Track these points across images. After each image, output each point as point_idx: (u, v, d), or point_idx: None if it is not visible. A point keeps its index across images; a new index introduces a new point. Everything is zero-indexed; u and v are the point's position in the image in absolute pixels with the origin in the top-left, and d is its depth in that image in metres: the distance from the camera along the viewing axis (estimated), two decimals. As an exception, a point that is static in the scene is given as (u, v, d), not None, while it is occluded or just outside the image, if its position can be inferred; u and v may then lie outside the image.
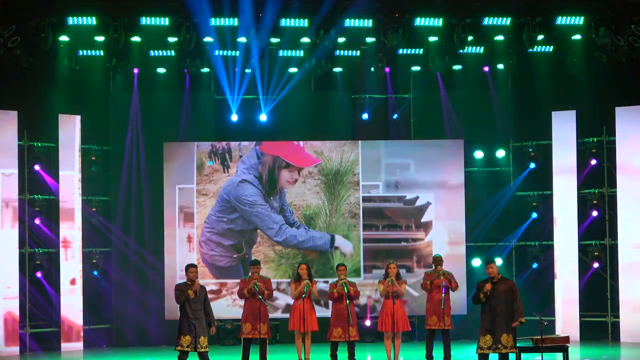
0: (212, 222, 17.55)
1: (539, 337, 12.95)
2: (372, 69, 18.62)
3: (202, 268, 17.40)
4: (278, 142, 18.14)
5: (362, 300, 17.59)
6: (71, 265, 18.00)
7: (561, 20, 17.11)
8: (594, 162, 18.53)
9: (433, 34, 17.46)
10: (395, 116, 19.28)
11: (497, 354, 12.62)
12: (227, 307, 18.10)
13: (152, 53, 17.99)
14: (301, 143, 17.80)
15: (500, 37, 17.60)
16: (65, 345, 17.90)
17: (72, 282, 17.80)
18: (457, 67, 18.61)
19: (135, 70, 18.53)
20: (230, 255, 17.57)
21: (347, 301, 14.41)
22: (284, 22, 17.02)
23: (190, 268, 13.11)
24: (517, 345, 13.20)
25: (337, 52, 18.18)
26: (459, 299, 17.92)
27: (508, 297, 12.56)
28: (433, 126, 19.22)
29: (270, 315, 15.93)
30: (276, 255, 17.55)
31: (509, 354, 12.62)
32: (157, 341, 18.40)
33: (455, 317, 16.27)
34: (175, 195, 18.25)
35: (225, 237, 17.54)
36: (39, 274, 17.87)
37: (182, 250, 18.28)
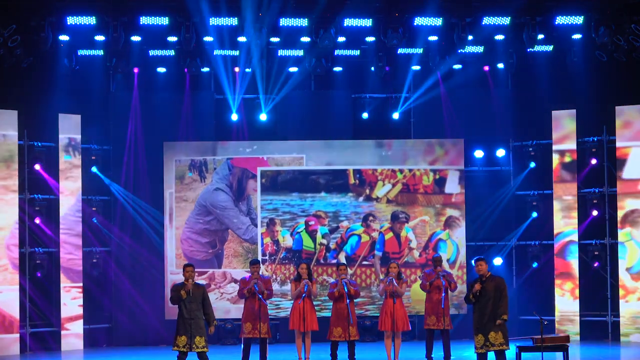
0: (191, 223, 18.87)
1: (539, 336, 12.95)
2: (372, 68, 18.63)
3: (184, 261, 18.02)
4: (245, 157, 18.81)
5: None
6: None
7: (561, 20, 17.10)
8: (594, 161, 18.54)
9: (433, 33, 17.46)
10: (395, 115, 19.28)
11: (492, 352, 12.62)
12: (215, 299, 18.14)
13: (152, 53, 17.99)
14: (265, 157, 18.69)
15: (500, 37, 17.59)
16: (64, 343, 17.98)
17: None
18: (457, 66, 18.61)
19: (135, 70, 18.54)
20: (206, 251, 18.85)
21: (347, 300, 14.42)
22: (284, 22, 17.02)
23: (186, 267, 13.11)
24: (518, 344, 13.22)
25: (337, 52, 18.18)
26: (458, 299, 17.92)
27: (496, 295, 12.53)
28: (433, 125, 19.22)
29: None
30: (244, 251, 18.71)
31: (504, 351, 12.58)
32: (157, 341, 18.40)
33: (456, 317, 16.28)
34: (166, 199, 18.88)
35: (202, 235, 18.85)
36: (39, 274, 17.89)
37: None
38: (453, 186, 17.06)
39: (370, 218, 16.99)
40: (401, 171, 16.64)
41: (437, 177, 16.71)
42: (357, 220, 17.12)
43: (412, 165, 16.94)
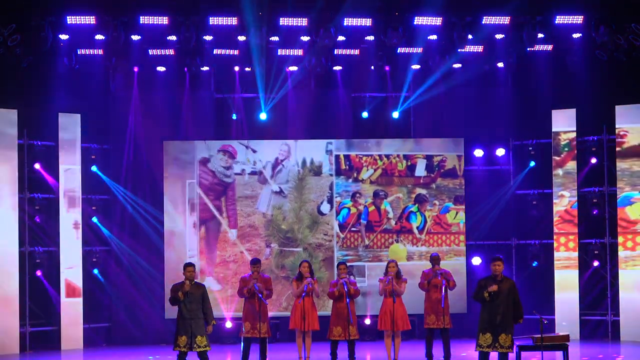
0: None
1: (539, 335, 12.95)
2: (372, 67, 18.63)
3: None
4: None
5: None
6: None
7: (561, 19, 17.11)
8: (593, 160, 18.55)
9: (433, 32, 17.45)
10: (395, 115, 19.30)
11: (496, 353, 12.62)
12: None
13: (151, 52, 17.99)
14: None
15: (500, 36, 17.59)
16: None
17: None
18: (457, 65, 18.61)
19: (135, 69, 18.53)
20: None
21: (347, 300, 14.41)
22: (284, 21, 17.02)
23: (186, 267, 13.12)
24: (518, 344, 13.22)
25: (337, 51, 18.17)
26: (458, 298, 17.94)
27: (509, 297, 12.55)
28: (433, 125, 19.24)
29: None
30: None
31: (508, 353, 12.61)
32: (157, 340, 18.40)
33: (455, 316, 16.28)
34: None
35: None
36: (39, 273, 17.89)
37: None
38: (421, 171, 18.98)
39: (357, 195, 18.98)
40: (381, 159, 18.90)
41: (409, 164, 18.97)
42: (347, 197, 18.99)
43: (388, 152, 19.05)
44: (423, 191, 18.95)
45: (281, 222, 18.63)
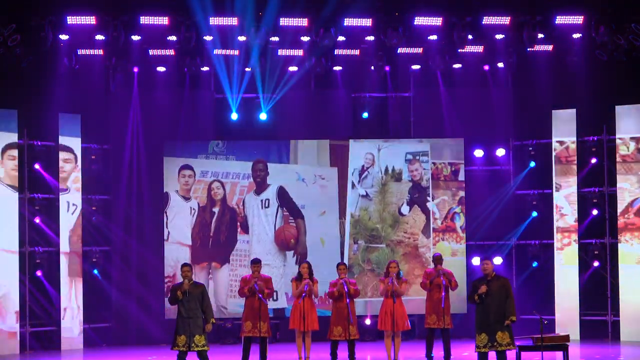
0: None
1: (539, 335, 12.96)
2: (372, 67, 18.64)
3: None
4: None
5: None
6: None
7: (561, 19, 17.11)
8: (593, 160, 18.55)
9: (433, 32, 17.46)
10: (395, 115, 19.31)
11: (495, 352, 12.63)
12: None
13: (151, 52, 17.99)
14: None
15: (500, 36, 17.60)
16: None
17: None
18: (457, 65, 18.61)
19: (135, 69, 18.54)
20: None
21: (347, 300, 14.42)
22: (284, 21, 17.03)
23: (183, 267, 13.17)
24: (517, 344, 13.22)
25: (337, 51, 18.18)
26: (458, 298, 17.94)
27: (502, 294, 12.56)
28: (433, 125, 19.24)
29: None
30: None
31: (507, 351, 12.60)
32: (157, 340, 18.39)
33: (456, 316, 16.30)
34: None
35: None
36: (39, 273, 17.89)
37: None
38: (463, 175, 19.40)
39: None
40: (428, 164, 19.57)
41: (453, 169, 19.38)
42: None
43: (435, 160, 19.57)
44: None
45: (367, 221, 19.31)
